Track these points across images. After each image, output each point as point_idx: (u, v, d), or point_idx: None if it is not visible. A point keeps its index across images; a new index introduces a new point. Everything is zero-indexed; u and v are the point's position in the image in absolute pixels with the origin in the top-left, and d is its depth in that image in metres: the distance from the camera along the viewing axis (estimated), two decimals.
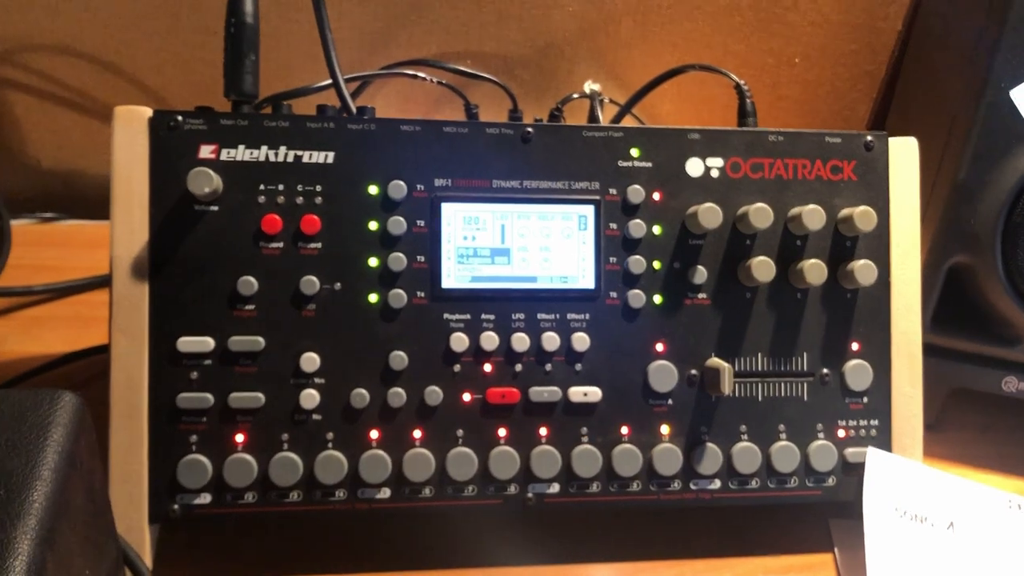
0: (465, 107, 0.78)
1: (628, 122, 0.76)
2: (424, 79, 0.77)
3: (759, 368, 0.56)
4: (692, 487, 0.56)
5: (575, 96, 0.79)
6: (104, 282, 0.74)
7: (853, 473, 0.57)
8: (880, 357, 0.58)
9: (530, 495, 0.54)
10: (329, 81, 0.61)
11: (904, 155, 0.59)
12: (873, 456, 0.57)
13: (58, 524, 0.37)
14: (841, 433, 0.57)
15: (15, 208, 0.81)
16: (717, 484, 0.56)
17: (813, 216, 0.55)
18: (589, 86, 0.77)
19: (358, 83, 0.77)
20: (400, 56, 0.79)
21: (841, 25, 0.85)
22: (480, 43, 0.82)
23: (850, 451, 0.57)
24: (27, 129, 0.82)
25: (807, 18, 0.84)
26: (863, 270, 0.55)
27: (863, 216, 0.55)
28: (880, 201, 0.58)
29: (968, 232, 0.64)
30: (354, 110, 0.60)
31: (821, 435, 0.57)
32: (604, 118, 0.77)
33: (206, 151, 0.52)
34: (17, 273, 0.75)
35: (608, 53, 0.84)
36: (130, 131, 0.51)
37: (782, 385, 0.57)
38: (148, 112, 0.52)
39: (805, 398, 0.57)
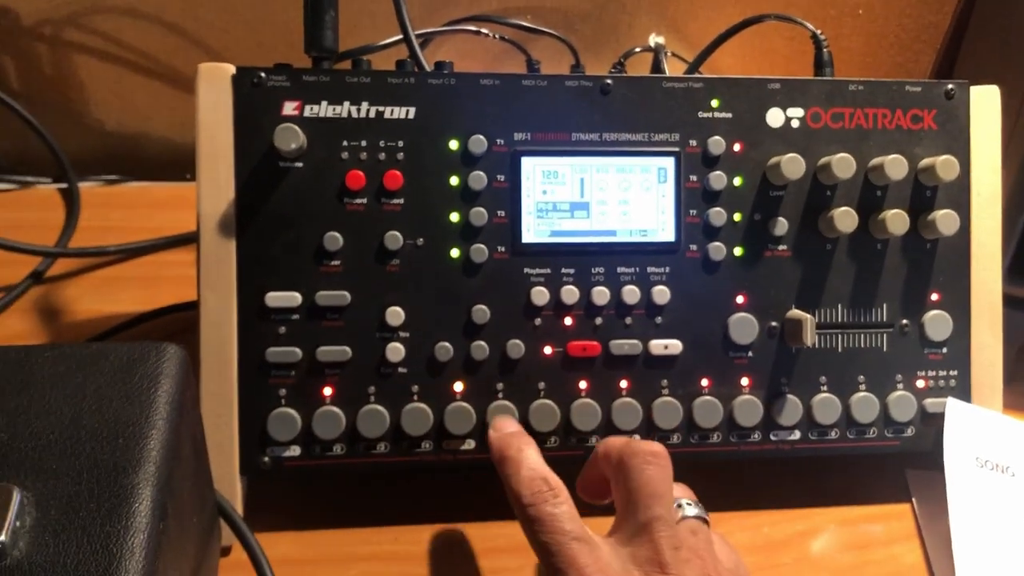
0: (527, 62, 0.77)
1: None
2: (486, 35, 0.77)
3: (839, 319, 0.56)
4: (772, 438, 0.56)
5: (637, 50, 0.79)
6: (173, 243, 0.75)
7: (932, 424, 0.57)
8: (960, 308, 0.57)
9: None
10: (398, 37, 0.61)
11: (985, 103, 0.58)
12: (953, 406, 0.57)
13: (173, 471, 0.38)
14: (920, 384, 0.57)
15: (81, 170, 0.82)
16: (797, 435, 0.56)
17: (895, 166, 0.54)
18: (654, 39, 0.76)
19: (420, 40, 0.76)
20: (460, 13, 0.79)
21: None
22: None
23: (929, 401, 0.57)
24: (92, 92, 0.83)
25: None
26: (945, 220, 0.55)
27: (945, 165, 0.55)
28: (961, 150, 0.57)
29: None
30: (428, 67, 0.59)
31: (900, 386, 0.57)
32: (668, 71, 0.76)
33: (289, 108, 0.52)
34: (87, 235, 0.76)
35: (669, 5, 0.83)
36: (214, 89, 0.52)
37: (862, 336, 0.56)
38: (231, 69, 0.52)
39: (885, 349, 0.57)
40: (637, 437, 0.54)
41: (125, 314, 0.67)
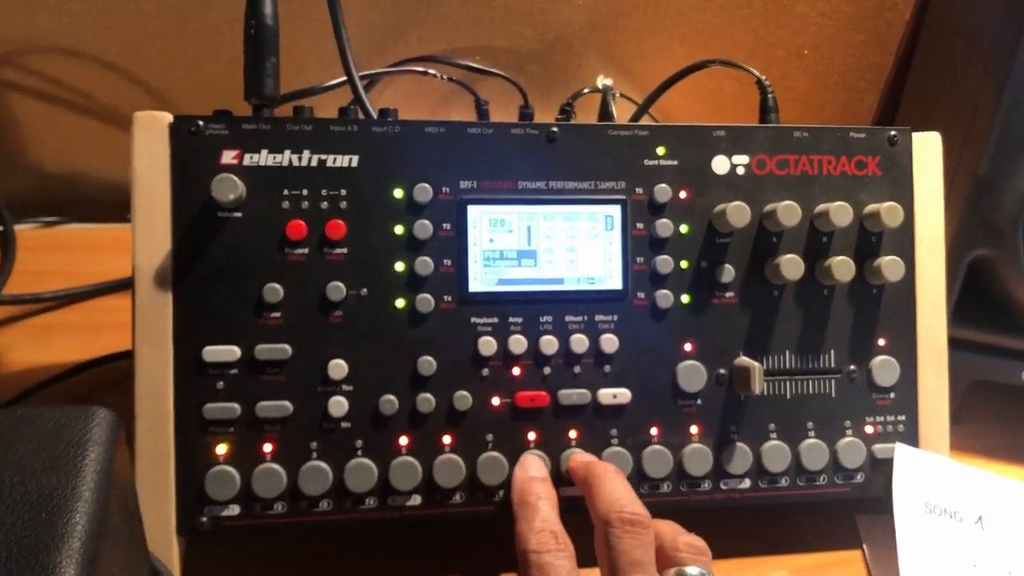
0: (475, 103, 0.77)
1: (645, 120, 0.76)
2: (434, 75, 0.76)
3: (787, 366, 0.56)
4: (722, 487, 0.55)
5: (586, 91, 0.78)
6: (113, 288, 0.73)
7: (881, 469, 0.57)
8: (906, 352, 0.57)
9: (561, 498, 0.53)
10: (342, 79, 0.60)
11: (928, 150, 0.58)
12: (901, 452, 0.57)
13: (100, 546, 0.36)
14: (869, 429, 0.57)
15: (18, 212, 0.80)
16: (747, 483, 0.55)
17: (840, 213, 0.54)
18: (602, 81, 0.76)
19: (367, 80, 0.76)
20: (409, 53, 0.78)
21: (850, 16, 0.84)
22: (489, 38, 0.81)
23: (878, 447, 0.57)
24: (29, 132, 0.81)
25: (816, 9, 0.84)
26: (890, 266, 0.55)
27: (890, 212, 0.55)
28: (905, 196, 0.57)
29: (990, 225, 0.63)
30: (373, 112, 0.59)
31: (849, 432, 0.57)
32: (616, 112, 0.76)
33: (228, 156, 0.51)
34: (23, 280, 0.73)
35: (618, 47, 0.83)
36: (150, 137, 0.50)
37: (810, 383, 0.56)
38: (168, 117, 0.51)
39: (833, 395, 0.57)
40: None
41: (62, 364, 0.65)
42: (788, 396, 0.56)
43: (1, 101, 0.78)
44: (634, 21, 0.82)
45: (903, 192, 0.58)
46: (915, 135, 0.58)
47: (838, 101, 0.90)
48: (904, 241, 0.57)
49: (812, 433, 0.56)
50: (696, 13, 0.83)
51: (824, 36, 0.85)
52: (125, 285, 0.73)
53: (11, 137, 0.81)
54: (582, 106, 0.79)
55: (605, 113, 0.76)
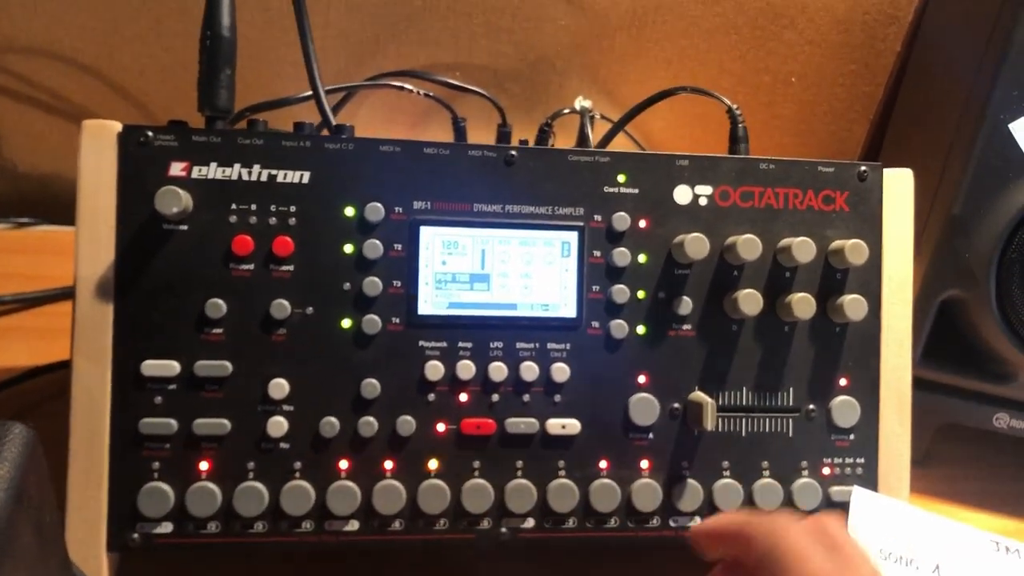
0: (453, 120, 0.76)
1: (620, 140, 0.75)
2: (411, 91, 0.75)
3: (743, 403, 0.55)
4: (671, 524, 0.54)
5: (566, 111, 0.78)
6: (72, 294, 0.73)
7: (837, 513, 0.55)
8: (868, 393, 0.56)
9: (504, 530, 0.52)
10: (310, 92, 0.59)
11: (899, 187, 0.57)
12: (858, 495, 0.55)
13: (1, 564, 0.35)
14: (826, 471, 0.55)
15: None
16: (697, 521, 0.54)
17: (803, 249, 0.53)
18: (580, 102, 0.75)
19: (343, 94, 0.75)
20: (387, 67, 0.78)
21: (839, 45, 0.83)
22: (470, 55, 0.80)
23: (835, 489, 0.55)
24: (2, 132, 0.80)
25: (805, 37, 0.83)
26: (853, 305, 0.54)
27: (854, 249, 0.54)
28: (873, 234, 0.56)
29: (962, 266, 0.62)
30: (333, 122, 0.58)
31: (806, 472, 0.55)
32: (595, 134, 0.75)
33: (177, 168, 0.50)
34: None
35: (601, 68, 0.82)
36: (98, 146, 0.50)
37: (767, 420, 0.55)
38: (117, 127, 0.50)
39: (790, 434, 0.55)
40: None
41: (15, 368, 0.65)
42: (743, 433, 0.55)
43: None
44: (618, 43, 0.81)
45: (871, 229, 0.56)
46: (887, 171, 0.57)
47: (826, 131, 0.89)
48: (870, 279, 0.56)
49: (767, 472, 0.55)
50: (683, 38, 0.82)
51: (813, 64, 0.84)
52: None
53: None
54: (562, 126, 0.78)
55: (582, 135, 0.75)
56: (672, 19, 0.80)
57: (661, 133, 0.85)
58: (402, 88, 0.75)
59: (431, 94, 0.75)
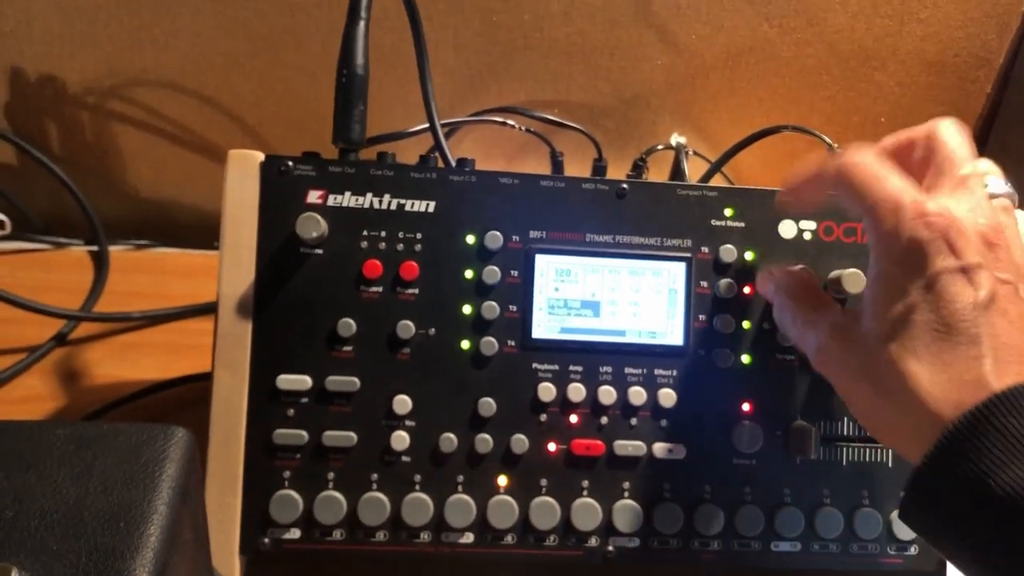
0: (551, 154, 0.79)
1: (717, 179, 0.77)
2: (512, 126, 0.79)
3: (845, 432, 0.56)
4: (773, 548, 0.55)
5: (659, 147, 0.80)
6: (197, 311, 0.77)
7: None
8: None
9: (611, 548, 0.54)
10: (424, 125, 0.63)
11: None
12: None
13: (171, 557, 0.38)
14: None
15: (113, 234, 0.85)
16: (798, 547, 0.55)
17: None
18: (675, 139, 0.78)
19: (448, 128, 0.78)
20: (489, 103, 0.81)
21: (929, 87, 0.85)
22: (568, 93, 0.84)
23: None
24: (129, 159, 0.86)
25: (895, 79, 0.84)
26: None
27: None
28: None
29: None
30: (452, 160, 0.61)
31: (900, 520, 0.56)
32: (688, 169, 0.77)
33: (314, 196, 0.54)
34: (114, 299, 0.78)
35: (694, 106, 0.85)
36: (242, 174, 0.54)
37: (867, 450, 0.56)
38: (260, 156, 0.54)
39: (890, 464, 0.56)
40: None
41: (144, 381, 0.69)
42: (844, 462, 0.56)
43: (106, 130, 0.84)
44: (712, 82, 0.83)
45: None
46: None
47: None
48: None
49: (867, 501, 0.56)
50: (775, 78, 0.84)
51: (902, 106, 0.86)
52: (208, 309, 0.76)
53: (112, 164, 0.86)
54: (655, 161, 0.81)
55: (677, 170, 0.77)
56: (765, 59, 0.82)
57: (751, 169, 0.87)
58: (504, 123, 0.78)
59: (531, 129, 0.78)
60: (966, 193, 0.45)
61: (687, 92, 0.84)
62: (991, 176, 0.47)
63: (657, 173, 0.83)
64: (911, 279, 0.44)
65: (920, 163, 0.48)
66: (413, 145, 0.74)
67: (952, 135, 0.47)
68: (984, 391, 0.40)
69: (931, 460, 0.41)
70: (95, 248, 0.83)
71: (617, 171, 0.82)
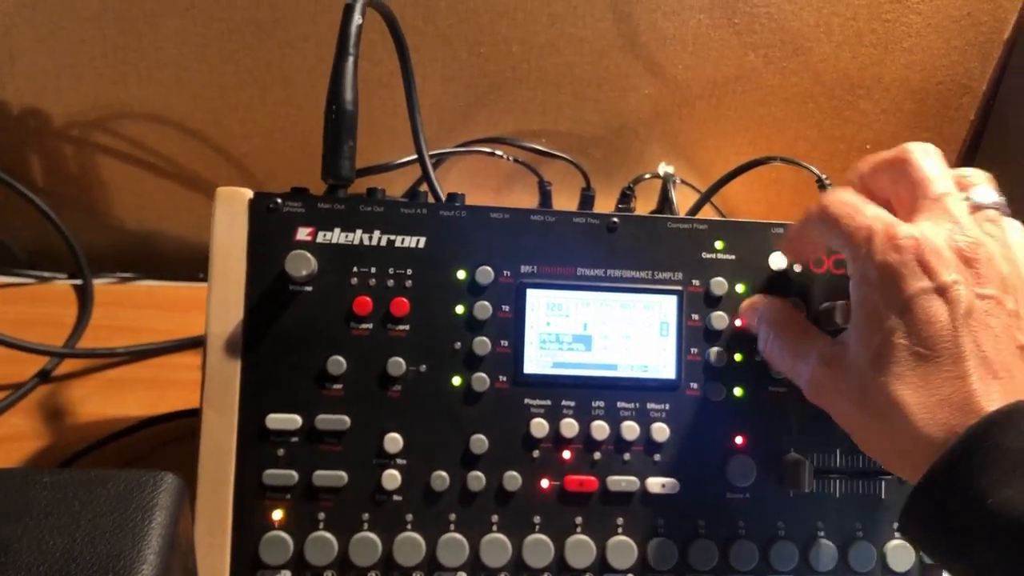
0: (539, 184, 0.79)
1: (707, 209, 0.77)
2: (500, 156, 0.79)
3: (837, 464, 0.56)
4: None
5: (647, 176, 0.80)
6: (182, 345, 0.76)
7: (931, 575, 0.56)
8: None
9: None
10: (412, 157, 0.63)
11: None
12: None
13: None
14: None
15: (97, 266, 0.84)
16: None
17: None
18: (663, 168, 0.78)
19: (435, 159, 0.78)
20: (477, 133, 0.81)
21: (913, 114, 0.85)
22: (556, 123, 0.84)
23: None
24: (114, 192, 0.85)
25: (880, 106, 0.85)
26: None
27: None
28: None
29: None
30: (441, 192, 0.61)
31: (898, 535, 0.56)
32: (676, 198, 0.78)
33: (303, 233, 0.53)
34: (98, 333, 0.77)
35: (681, 135, 0.85)
36: (231, 211, 0.53)
37: (860, 483, 0.56)
38: (248, 193, 0.53)
39: (883, 496, 0.56)
40: None
41: (130, 417, 0.68)
42: (838, 495, 0.56)
43: (90, 162, 0.83)
44: (698, 111, 0.84)
45: None
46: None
47: None
48: None
49: (860, 534, 0.56)
50: (761, 106, 0.84)
51: (887, 133, 0.86)
52: (195, 343, 0.76)
53: (97, 196, 0.85)
54: (643, 190, 0.81)
55: (665, 199, 0.77)
56: (751, 89, 0.83)
57: (737, 196, 0.88)
58: (492, 154, 0.78)
59: (519, 159, 0.78)
60: (941, 212, 0.46)
61: (674, 121, 0.84)
62: (979, 186, 0.48)
63: (645, 201, 0.83)
64: (888, 304, 0.45)
65: (894, 186, 0.49)
66: (400, 175, 0.74)
67: (922, 156, 0.48)
68: (972, 410, 0.41)
69: (926, 483, 0.41)
70: (79, 282, 0.82)
71: (605, 200, 0.83)
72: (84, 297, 0.80)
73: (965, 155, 0.87)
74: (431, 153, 0.73)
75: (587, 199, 0.80)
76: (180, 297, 0.82)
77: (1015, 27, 0.80)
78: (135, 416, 0.68)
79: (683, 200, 0.80)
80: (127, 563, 0.37)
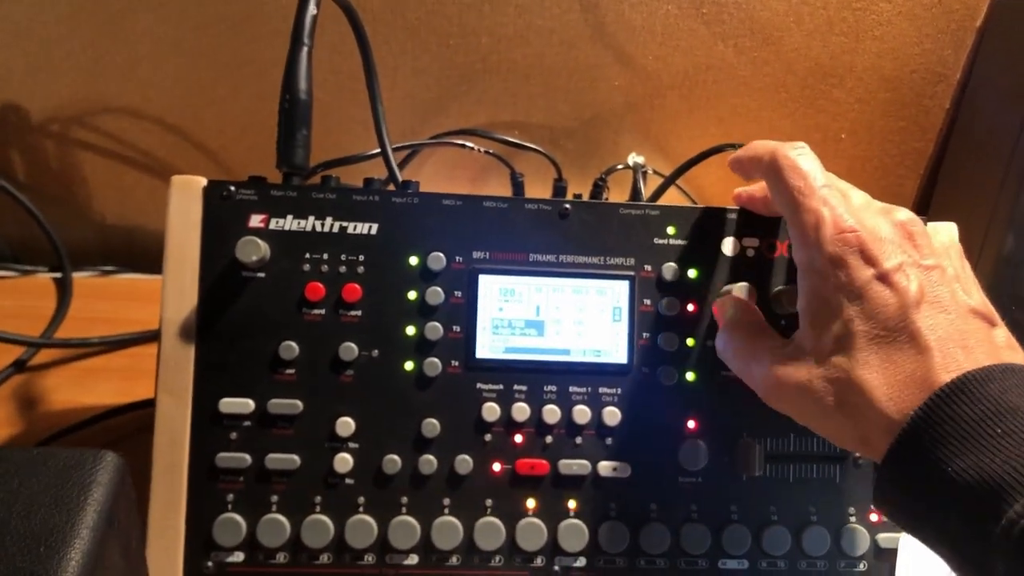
0: (511, 176, 0.79)
1: (673, 194, 0.77)
2: (472, 148, 0.79)
3: (790, 449, 0.56)
4: (720, 566, 0.55)
5: (619, 167, 0.81)
6: (155, 336, 0.77)
7: (885, 559, 0.56)
8: None
9: (557, 568, 0.54)
10: (379, 150, 0.64)
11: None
12: (906, 542, 0.56)
13: None
14: (874, 517, 0.56)
15: (79, 261, 0.85)
16: (745, 564, 0.55)
17: None
18: (633, 158, 0.78)
19: (408, 151, 0.79)
20: (450, 125, 0.82)
21: (888, 103, 0.85)
22: (528, 114, 0.84)
23: (883, 536, 0.56)
24: (93, 186, 0.86)
25: (854, 95, 0.85)
26: None
27: None
28: None
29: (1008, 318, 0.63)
30: (400, 180, 0.62)
31: (853, 519, 0.56)
32: (647, 188, 0.78)
33: (256, 220, 0.54)
34: (76, 324, 0.78)
35: (653, 125, 0.85)
36: (185, 199, 0.54)
37: (814, 467, 0.56)
38: (203, 181, 0.54)
39: (837, 480, 0.56)
40: None
41: (101, 406, 0.69)
42: (791, 479, 0.56)
43: (70, 158, 0.84)
44: (670, 102, 0.84)
45: None
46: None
47: (877, 186, 0.91)
48: None
49: (814, 518, 0.56)
50: (733, 97, 0.84)
51: (862, 122, 0.86)
52: None
53: (78, 191, 0.86)
54: (616, 181, 0.81)
55: (636, 189, 0.78)
56: (723, 79, 0.83)
57: (712, 187, 0.88)
58: (464, 146, 0.79)
59: (491, 151, 0.79)
60: (863, 197, 0.50)
61: (646, 112, 0.84)
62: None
63: (618, 192, 0.84)
64: (842, 292, 0.45)
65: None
66: (372, 167, 0.75)
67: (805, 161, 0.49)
68: (934, 384, 0.41)
69: (890, 459, 0.42)
70: (60, 275, 0.83)
71: (578, 190, 0.82)
72: (63, 289, 0.81)
73: (941, 142, 0.87)
74: (402, 145, 0.74)
75: (559, 190, 0.80)
76: (158, 289, 0.82)
77: (987, 14, 0.80)
78: (108, 404, 0.69)
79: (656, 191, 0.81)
80: (60, 537, 0.38)
